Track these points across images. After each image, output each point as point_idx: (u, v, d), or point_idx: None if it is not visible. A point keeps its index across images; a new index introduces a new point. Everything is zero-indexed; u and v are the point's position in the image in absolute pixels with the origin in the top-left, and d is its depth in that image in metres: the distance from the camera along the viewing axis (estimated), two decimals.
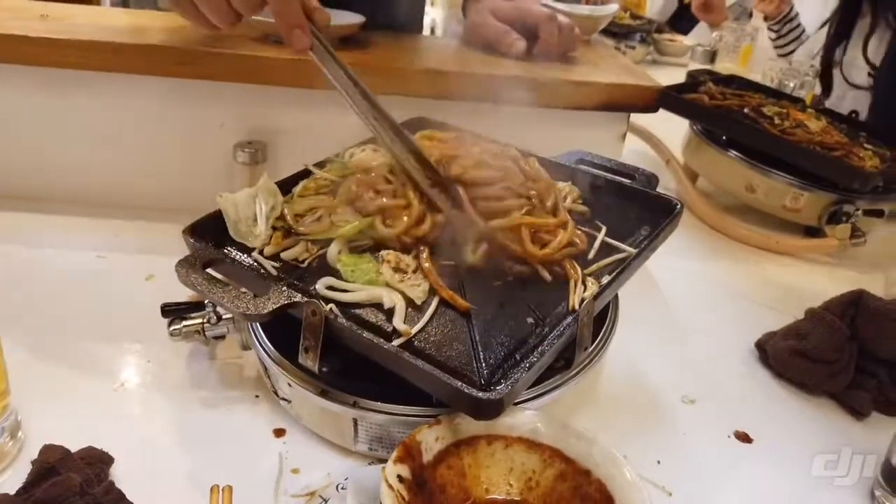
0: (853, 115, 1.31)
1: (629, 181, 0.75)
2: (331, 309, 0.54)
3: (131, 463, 0.55)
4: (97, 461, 0.53)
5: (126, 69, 0.85)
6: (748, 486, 0.60)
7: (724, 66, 2.03)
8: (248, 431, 0.60)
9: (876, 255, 1.00)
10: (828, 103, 1.46)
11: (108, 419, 0.60)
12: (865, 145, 1.12)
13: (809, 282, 0.97)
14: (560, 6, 1.15)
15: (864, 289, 0.73)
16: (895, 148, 1.14)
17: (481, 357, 0.52)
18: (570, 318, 0.56)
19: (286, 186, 0.69)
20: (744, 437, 0.65)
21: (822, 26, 1.68)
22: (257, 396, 0.64)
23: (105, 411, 0.61)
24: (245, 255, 0.61)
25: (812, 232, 1.07)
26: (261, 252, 0.61)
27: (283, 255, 0.61)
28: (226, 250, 0.62)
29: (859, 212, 1.01)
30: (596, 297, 0.57)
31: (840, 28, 1.45)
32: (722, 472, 0.62)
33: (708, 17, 2.48)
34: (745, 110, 1.14)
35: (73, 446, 0.54)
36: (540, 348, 0.52)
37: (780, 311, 0.81)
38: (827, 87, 1.51)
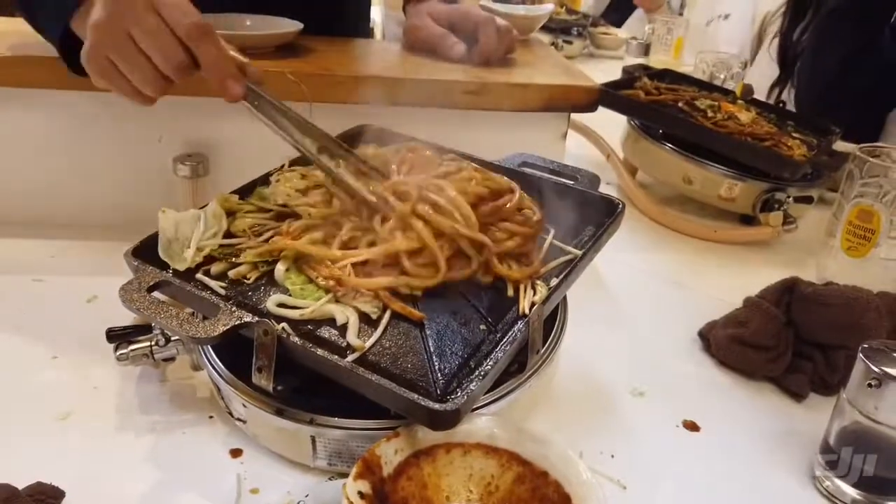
0: (780, 104, 1.36)
1: (572, 182, 0.77)
2: (283, 328, 0.54)
3: (83, 495, 0.54)
4: (47, 497, 0.52)
5: (54, 85, 0.82)
6: (698, 474, 0.63)
7: (657, 59, 2.08)
8: (204, 454, 0.59)
9: (808, 241, 1.05)
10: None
11: (56, 451, 0.58)
12: (794, 134, 1.17)
13: (747, 269, 1.01)
14: (497, 7, 1.17)
15: (798, 276, 0.77)
16: (821, 135, 1.19)
17: (436, 367, 0.52)
18: (521, 323, 0.57)
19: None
20: (692, 426, 0.68)
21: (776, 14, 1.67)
22: (211, 417, 0.63)
23: (52, 443, 0.59)
24: (191, 277, 0.60)
25: (747, 220, 1.11)
26: (207, 272, 0.60)
27: (230, 273, 0.60)
28: (171, 272, 0.61)
29: (790, 199, 1.05)
30: (545, 300, 0.59)
31: (797, 6, 1.47)
32: (673, 461, 0.64)
33: (645, 3, 2.54)
34: (680, 104, 1.18)
35: (21, 483, 0.52)
36: (493, 355, 0.53)
37: (720, 299, 0.84)
38: (786, 74, 1.48)
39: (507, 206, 0.65)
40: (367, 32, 1.33)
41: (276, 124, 0.65)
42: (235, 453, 0.59)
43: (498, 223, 0.64)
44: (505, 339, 0.55)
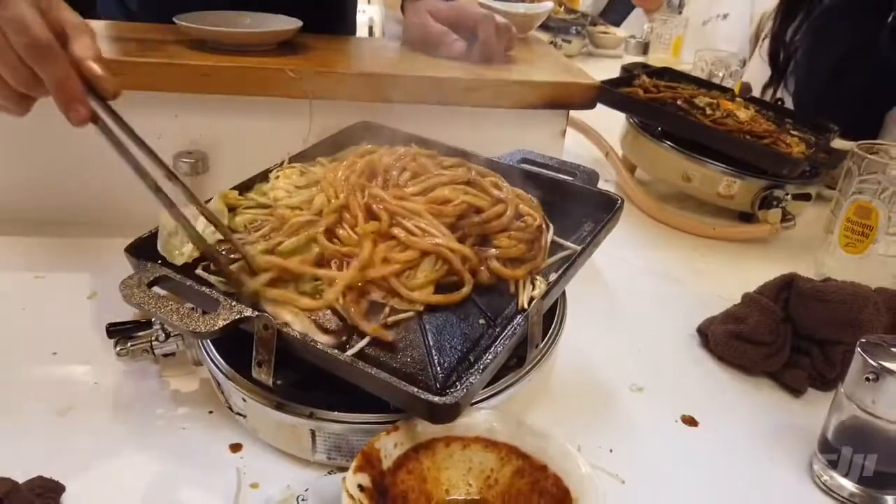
0: (779, 102, 1.36)
1: (571, 178, 0.77)
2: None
3: (84, 490, 0.54)
4: (48, 491, 0.52)
5: None
6: (696, 469, 0.63)
7: (657, 57, 2.08)
8: (204, 448, 0.59)
9: (806, 238, 1.05)
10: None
11: (57, 446, 0.58)
12: (792, 132, 1.17)
13: (746, 266, 1.01)
14: (497, 5, 1.17)
15: (796, 272, 0.77)
16: (819, 133, 1.20)
17: (436, 361, 0.52)
18: (520, 318, 0.57)
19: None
20: (690, 421, 0.68)
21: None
22: (211, 412, 0.63)
23: (53, 438, 0.59)
24: (191, 272, 0.60)
25: (746, 217, 1.12)
26: (206, 268, 0.61)
27: (231, 267, 0.61)
28: (170, 267, 0.61)
29: (789, 196, 1.06)
30: (544, 295, 0.59)
31: (788, 7, 1.47)
32: (671, 456, 0.64)
33: (644, 3, 2.54)
34: (678, 102, 1.18)
35: (21, 477, 0.52)
36: (493, 349, 0.53)
37: (718, 296, 0.84)
38: (778, 74, 1.47)
39: (497, 221, 0.65)
40: (353, 29, 1.33)
41: (119, 150, 0.58)
42: (235, 448, 0.60)
43: (499, 234, 0.65)
44: (504, 334, 0.55)
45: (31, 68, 0.56)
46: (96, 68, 0.57)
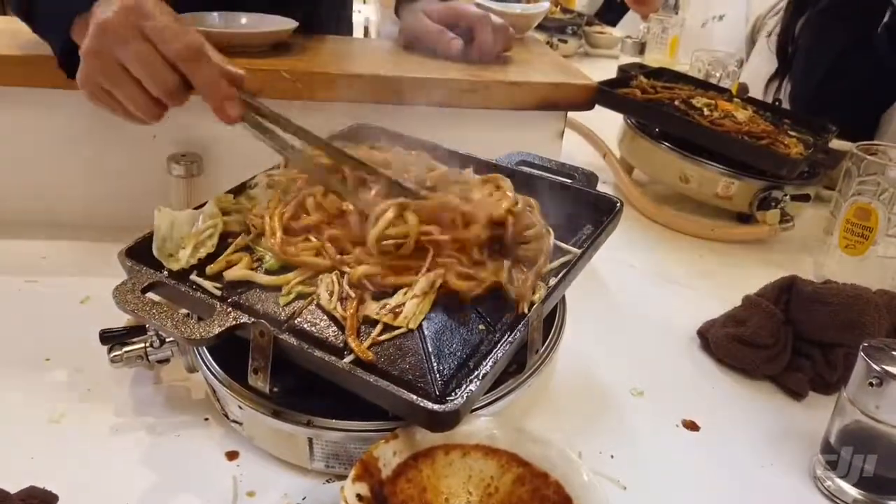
0: (777, 102, 1.36)
1: (570, 181, 0.76)
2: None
3: (77, 500, 0.53)
4: (40, 501, 0.51)
5: (45, 83, 0.81)
6: (698, 474, 0.62)
7: (653, 58, 2.08)
8: (200, 456, 0.59)
9: (805, 239, 1.05)
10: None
11: (49, 454, 0.58)
12: (790, 132, 1.17)
13: (745, 267, 1.00)
14: (493, 5, 1.16)
15: (796, 274, 0.76)
16: (817, 134, 1.19)
17: (435, 368, 0.52)
18: (520, 323, 0.56)
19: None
20: (691, 426, 0.67)
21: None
22: (207, 419, 0.62)
23: (46, 446, 0.58)
24: (185, 277, 0.60)
25: (744, 218, 1.11)
26: (200, 273, 0.60)
27: (225, 274, 0.60)
28: (165, 272, 0.60)
29: (787, 197, 1.05)
30: (544, 300, 0.58)
31: (798, 2, 1.44)
32: (673, 462, 0.63)
33: (640, 7, 2.53)
34: (676, 103, 1.17)
35: (13, 487, 0.51)
36: (492, 355, 0.53)
37: (718, 298, 0.84)
38: (785, 67, 1.47)
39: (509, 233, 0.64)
40: (351, 28, 1.33)
41: (273, 141, 0.64)
42: (231, 456, 0.59)
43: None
44: (504, 340, 0.54)
45: (177, 75, 0.60)
46: (238, 70, 0.63)
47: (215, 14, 0.94)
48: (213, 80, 0.61)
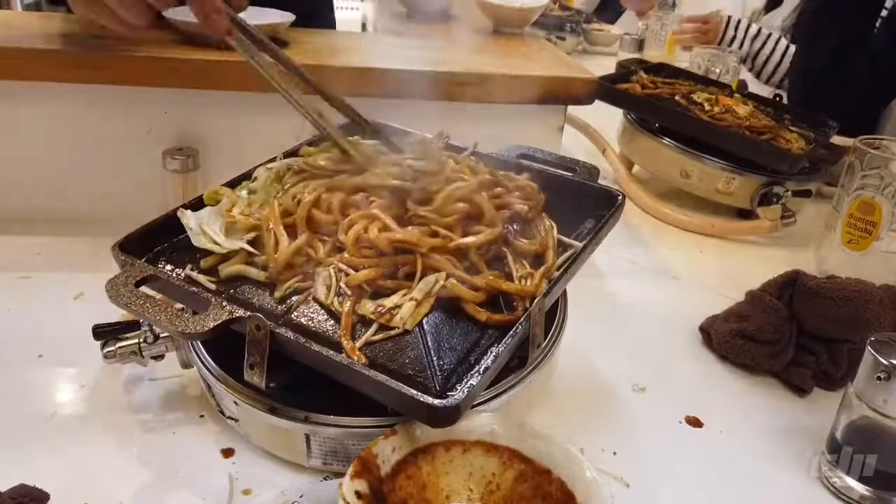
0: (777, 98, 1.35)
1: (571, 174, 0.75)
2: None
3: (69, 498, 0.52)
4: (31, 500, 0.50)
5: (40, 77, 0.80)
6: (701, 471, 0.61)
7: (652, 55, 2.07)
8: (195, 454, 0.58)
9: (806, 234, 1.04)
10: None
11: (41, 452, 0.56)
12: (791, 128, 1.16)
13: (746, 263, 1.00)
14: (493, 0, 1.15)
15: (800, 269, 0.75)
16: (818, 129, 1.18)
17: (435, 363, 0.51)
18: (522, 318, 0.55)
19: None
20: (694, 422, 0.66)
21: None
22: (202, 416, 0.61)
23: (37, 444, 0.57)
24: (180, 271, 0.59)
25: (745, 214, 1.10)
26: (195, 268, 0.59)
27: (220, 269, 0.59)
28: (159, 266, 0.59)
29: (788, 192, 1.05)
30: (546, 294, 0.57)
31: None
32: (676, 458, 0.62)
33: (634, 5, 2.53)
34: (677, 98, 1.17)
35: (3, 485, 0.50)
36: (494, 350, 0.51)
37: (719, 293, 0.83)
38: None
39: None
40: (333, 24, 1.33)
41: (259, 66, 0.65)
42: (227, 453, 0.58)
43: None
44: (506, 334, 0.53)
45: None
46: None
47: None
48: None
